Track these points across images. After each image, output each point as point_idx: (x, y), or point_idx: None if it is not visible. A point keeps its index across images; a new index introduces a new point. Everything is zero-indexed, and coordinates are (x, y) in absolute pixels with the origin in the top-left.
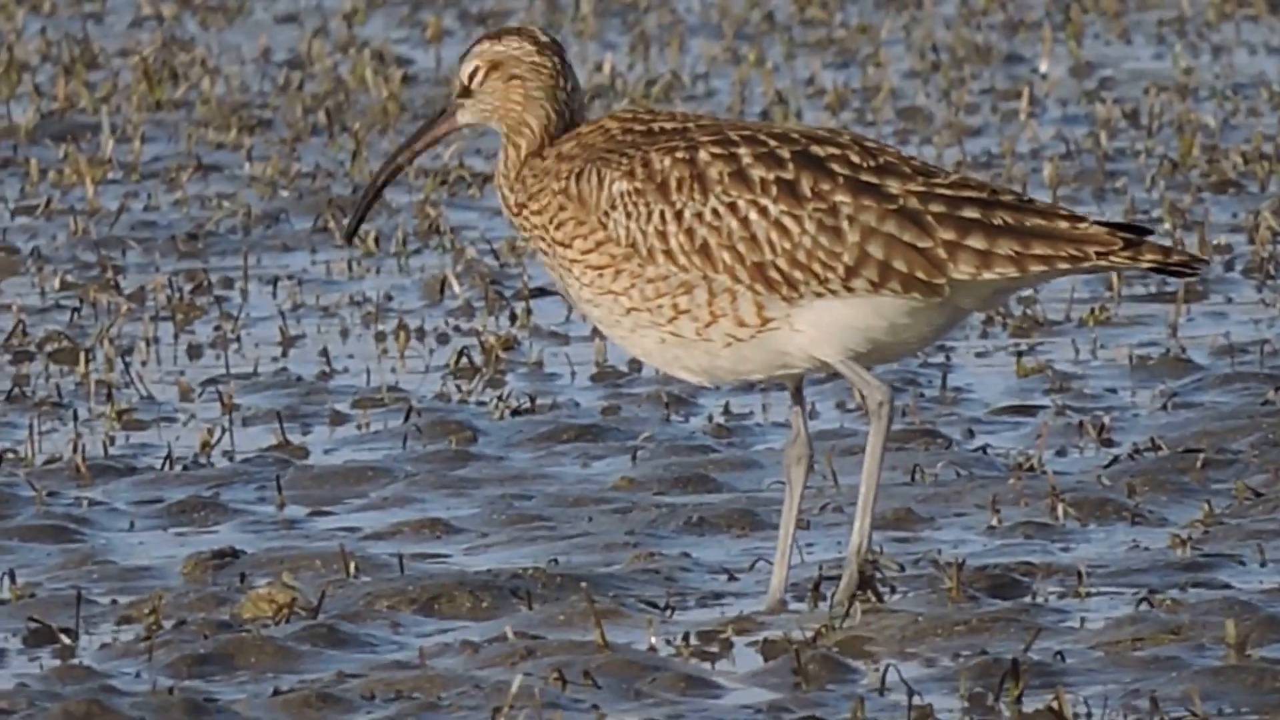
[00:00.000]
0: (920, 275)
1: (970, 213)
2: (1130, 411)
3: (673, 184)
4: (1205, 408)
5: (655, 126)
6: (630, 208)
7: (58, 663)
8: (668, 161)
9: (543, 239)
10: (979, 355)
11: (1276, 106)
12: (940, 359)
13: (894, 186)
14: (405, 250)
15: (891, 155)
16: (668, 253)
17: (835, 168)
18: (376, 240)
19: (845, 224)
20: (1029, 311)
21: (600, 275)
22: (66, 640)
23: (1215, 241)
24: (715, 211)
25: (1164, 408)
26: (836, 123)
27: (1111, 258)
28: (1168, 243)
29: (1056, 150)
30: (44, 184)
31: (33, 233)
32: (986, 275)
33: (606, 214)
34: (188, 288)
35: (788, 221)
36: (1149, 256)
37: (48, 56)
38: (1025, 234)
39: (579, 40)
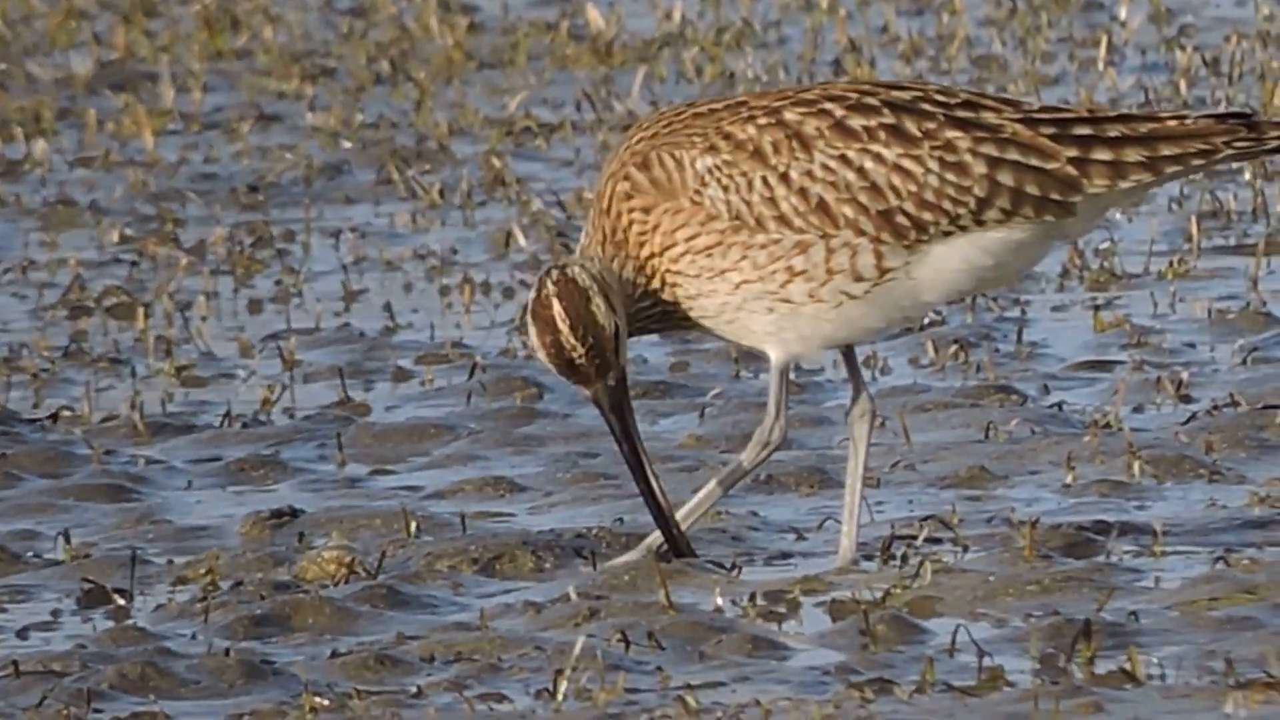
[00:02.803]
0: (1054, 196)
1: (1082, 130)
2: (1209, 367)
3: (768, 148)
4: None
5: (700, 110)
6: (725, 179)
7: (112, 624)
8: (751, 129)
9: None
10: (1055, 309)
11: None
12: (1016, 313)
13: (992, 119)
14: (470, 203)
15: (965, 94)
16: (780, 218)
17: (928, 108)
18: (441, 192)
19: (968, 157)
20: (1106, 265)
21: (709, 256)
22: (121, 601)
23: None
24: (825, 167)
25: (1244, 363)
26: (911, 72)
27: (1238, 144)
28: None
29: (1136, 99)
30: (102, 135)
31: (91, 185)
32: (1122, 185)
33: (698, 192)
34: (248, 241)
35: (908, 164)
36: (1275, 134)
37: (106, 5)
38: (1147, 139)
39: None
